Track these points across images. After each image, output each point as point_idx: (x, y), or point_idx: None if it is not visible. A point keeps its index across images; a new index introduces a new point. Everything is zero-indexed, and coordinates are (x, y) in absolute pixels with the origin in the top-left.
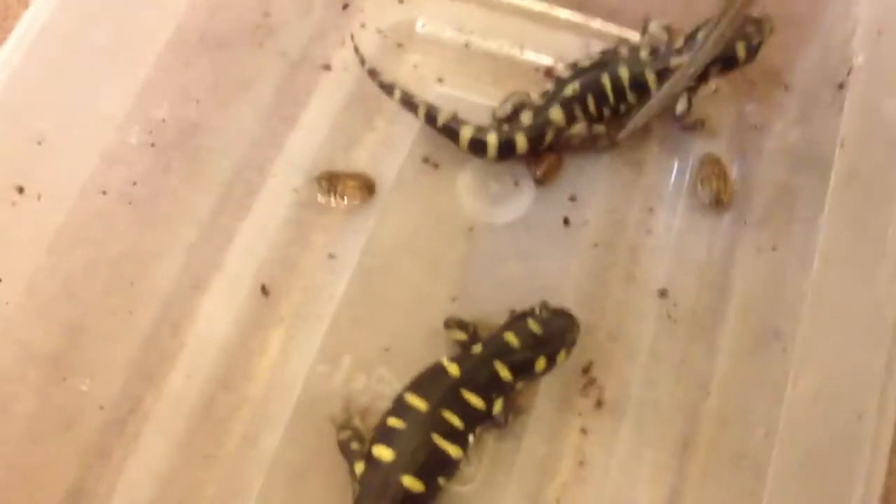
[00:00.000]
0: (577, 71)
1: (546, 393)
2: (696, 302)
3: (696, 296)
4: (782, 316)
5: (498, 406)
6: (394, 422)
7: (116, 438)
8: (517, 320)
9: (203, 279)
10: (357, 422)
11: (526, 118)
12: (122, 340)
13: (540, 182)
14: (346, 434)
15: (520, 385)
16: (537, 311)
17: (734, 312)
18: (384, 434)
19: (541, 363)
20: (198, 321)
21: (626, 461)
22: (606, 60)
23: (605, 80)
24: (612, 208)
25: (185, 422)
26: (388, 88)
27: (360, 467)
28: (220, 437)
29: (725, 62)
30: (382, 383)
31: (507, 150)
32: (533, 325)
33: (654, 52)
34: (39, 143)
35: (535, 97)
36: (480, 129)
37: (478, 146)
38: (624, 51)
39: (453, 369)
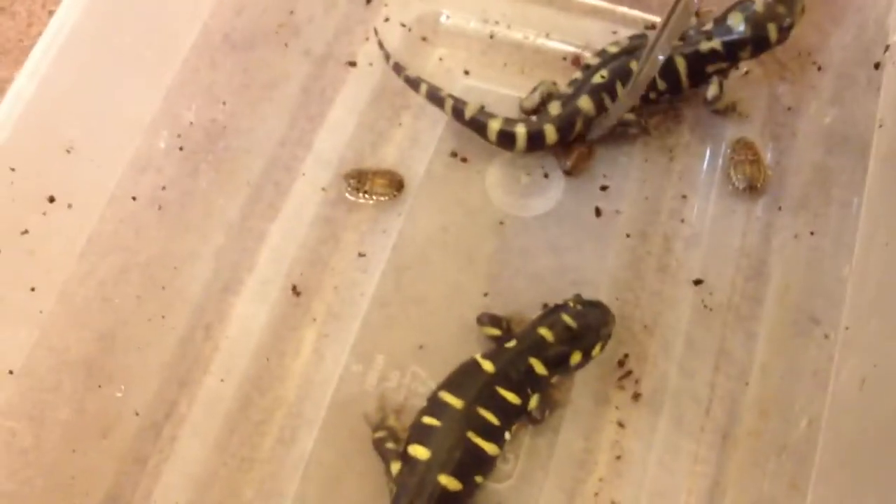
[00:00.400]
0: (605, 58)
1: (582, 387)
2: (732, 290)
3: (732, 284)
4: (822, 302)
5: (534, 402)
6: (429, 420)
7: (152, 444)
8: (550, 314)
9: (234, 281)
10: (392, 421)
11: (554, 108)
12: (155, 346)
13: (570, 173)
14: (381, 434)
15: (555, 379)
16: (571, 305)
17: (772, 300)
18: (420, 433)
19: (576, 357)
20: (230, 324)
21: (664, 454)
22: (635, 46)
23: (635, 67)
24: (645, 197)
25: (221, 425)
26: (413, 83)
27: (396, 467)
28: (256, 439)
29: (756, 44)
30: (417, 381)
31: (536, 141)
32: (567, 319)
33: (682, 36)
34: (69, 152)
35: (563, 86)
36: (509, 121)
37: (506, 138)
38: (650, 34)
39: (487, 366)
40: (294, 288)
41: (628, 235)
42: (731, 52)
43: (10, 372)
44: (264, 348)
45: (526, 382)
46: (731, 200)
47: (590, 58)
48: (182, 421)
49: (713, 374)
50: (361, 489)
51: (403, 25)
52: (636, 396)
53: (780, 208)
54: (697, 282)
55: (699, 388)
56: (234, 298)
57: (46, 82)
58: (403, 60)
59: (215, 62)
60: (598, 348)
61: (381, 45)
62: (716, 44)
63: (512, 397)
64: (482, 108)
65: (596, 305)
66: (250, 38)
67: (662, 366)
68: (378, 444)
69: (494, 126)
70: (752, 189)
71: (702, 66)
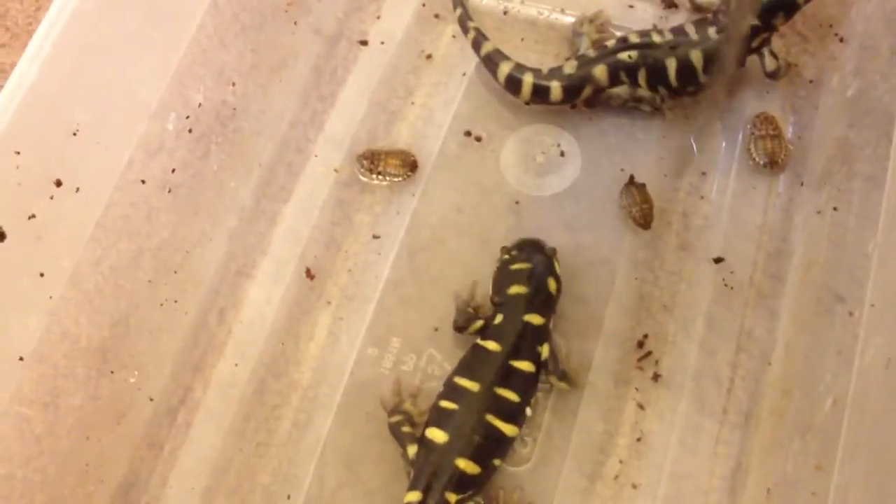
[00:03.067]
0: (643, 41)
1: (601, 367)
2: (753, 268)
3: (754, 262)
4: (846, 280)
5: (545, 350)
6: (446, 404)
7: (167, 429)
8: (504, 275)
9: (247, 265)
10: (408, 405)
11: (569, 67)
12: (168, 330)
13: (643, 225)
14: (397, 417)
15: (551, 324)
16: (510, 255)
17: (794, 278)
18: (438, 416)
19: (552, 283)
20: (244, 308)
21: (685, 435)
22: (677, 43)
23: (671, 63)
24: (663, 174)
25: (236, 410)
26: (456, 2)
27: (412, 450)
28: (272, 424)
29: (786, 9)
30: (433, 364)
31: (540, 94)
32: (520, 265)
33: (722, 28)
34: (75, 134)
35: (586, 47)
36: (519, 67)
37: (513, 84)
38: (692, 29)
39: (493, 345)
40: (308, 271)
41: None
42: (767, 22)
43: (21, 358)
44: (279, 332)
45: (532, 342)
46: (751, 177)
47: (633, 35)
48: (197, 406)
49: (735, 354)
50: (378, 473)
51: (416, 2)
52: (656, 377)
53: (802, 184)
54: (718, 260)
55: (720, 368)
56: (248, 282)
57: (50, 64)
58: (415, 37)
59: (224, 42)
60: (557, 265)
61: None
62: (752, 19)
63: (526, 365)
64: (498, 49)
65: (524, 240)
66: (259, 17)
67: (683, 346)
68: (394, 428)
69: (504, 68)
70: (774, 165)
71: (747, 46)
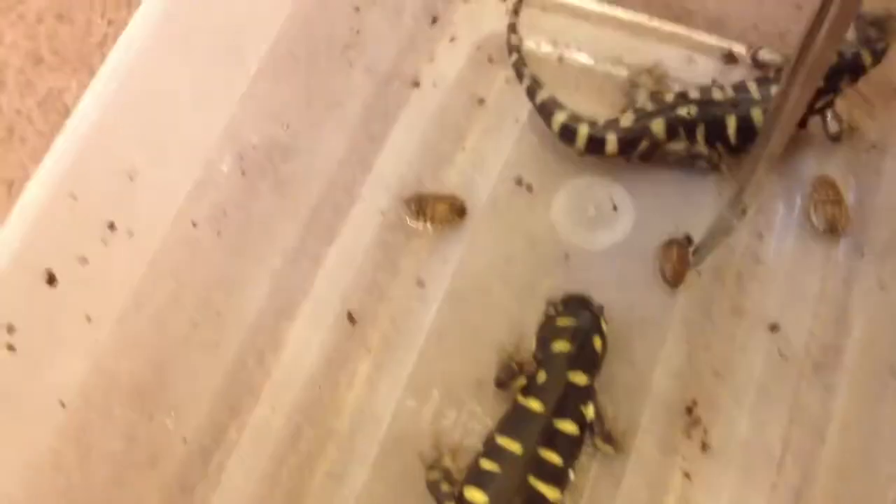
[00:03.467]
0: (703, 97)
1: (647, 433)
2: (809, 338)
3: (810, 331)
4: None
5: (590, 411)
6: (487, 464)
7: (199, 471)
8: (549, 330)
9: (289, 306)
10: (447, 461)
11: (626, 120)
12: (207, 372)
13: (671, 283)
14: (435, 474)
15: (595, 382)
16: (555, 310)
17: (853, 351)
18: (477, 476)
19: (598, 342)
20: (284, 350)
21: None
22: (738, 101)
23: (731, 121)
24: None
25: (270, 455)
26: (512, 47)
27: None
28: (305, 472)
29: (852, 71)
30: (474, 419)
31: (595, 146)
32: (565, 321)
33: (776, 80)
34: (131, 179)
35: (647, 101)
36: (575, 118)
37: (568, 133)
38: (753, 87)
39: (535, 405)
40: (350, 315)
41: (699, 273)
42: (832, 84)
43: (63, 405)
44: (317, 377)
45: (576, 402)
46: (810, 242)
47: (692, 90)
48: (231, 449)
49: (787, 428)
50: None
51: (470, 45)
52: (704, 447)
53: (862, 254)
54: (773, 327)
55: (771, 441)
56: (288, 324)
57: (112, 105)
58: (468, 80)
59: (280, 81)
60: (603, 322)
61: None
62: None
63: (570, 427)
64: (555, 97)
65: (571, 295)
66: (314, 55)
67: (733, 415)
68: (432, 486)
69: (559, 118)
70: (833, 231)
71: (809, 108)
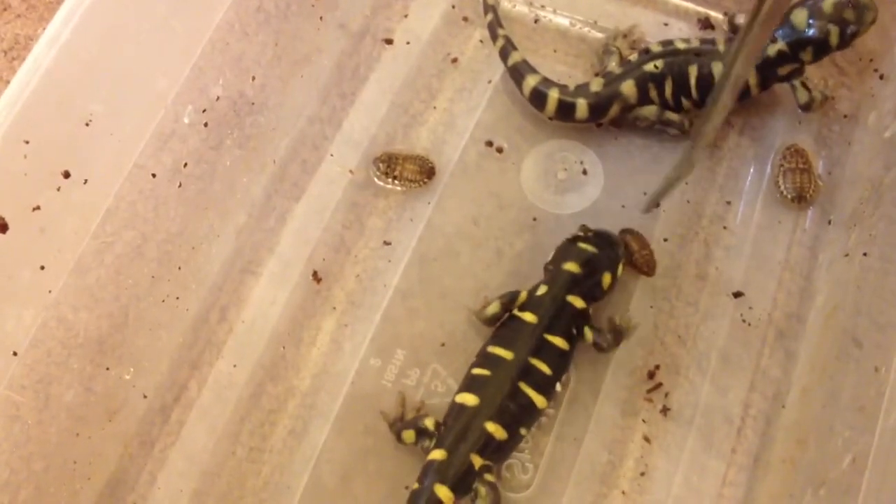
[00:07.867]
0: (667, 50)
1: (609, 397)
2: (773, 306)
3: (774, 299)
4: (873, 330)
5: (589, 334)
6: (479, 371)
7: (159, 427)
8: (567, 249)
9: (254, 262)
10: (410, 417)
11: (595, 85)
12: (168, 327)
13: (648, 273)
14: (398, 428)
15: (591, 309)
16: (582, 234)
17: (816, 320)
18: (469, 382)
19: (607, 279)
20: (247, 307)
21: (691, 473)
22: (702, 51)
23: (692, 70)
24: (686, 200)
25: (231, 412)
26: (488, 7)
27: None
28: (266, 429)
29: (816, 48)
30: (437, 379)
31: (565, 111)
32: (587, 247)
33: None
34: (87, 125)
35: (615, 65)
36: (546, 82)
37: (538, 98)
38: (721, 46)
39: (529, 317)
40: (315, 274)
41: (666, 239)
42: (795, 53)
43: (14, 353)
44: (280, 335)
45: (570, 322)
46: (777, 210)
47: (653, 45)
48: (191, 405)
49: (748, 393)
50: (373, 490)
51: (445, 4)
52: (665, 411)
53: (829, 222)
54: (737, 294)
55: (732, 406)
56: (253, 280)
57: (67, 52)
58: (442, 39)
59: (247, 33)
60: (621, 267)
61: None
62: (782, 45)
63: (560, 342)
64: (526, 60)
65: (605, 230)
66: (284, 9)
67: (694, 380)
68: (397, 435)
69: (530, 82)
70: (801, 200)
71: (772, 71)
